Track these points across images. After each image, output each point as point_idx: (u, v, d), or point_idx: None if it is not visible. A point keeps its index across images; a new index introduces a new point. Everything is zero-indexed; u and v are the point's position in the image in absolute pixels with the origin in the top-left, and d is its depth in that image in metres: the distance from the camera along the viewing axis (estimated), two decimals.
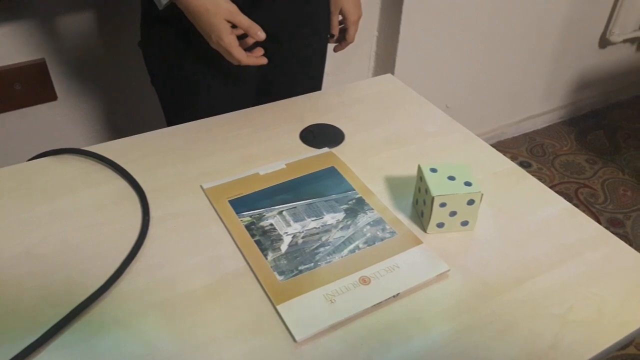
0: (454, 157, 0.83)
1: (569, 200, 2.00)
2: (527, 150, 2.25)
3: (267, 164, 0.80)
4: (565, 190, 2.05)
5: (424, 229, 0.70)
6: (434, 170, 0.69)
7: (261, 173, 0.77)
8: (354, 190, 0.75)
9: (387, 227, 0.69)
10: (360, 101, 0.97)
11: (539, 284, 0.63)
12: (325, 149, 0.83)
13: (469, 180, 0.68)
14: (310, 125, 0.89)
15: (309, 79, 1.07)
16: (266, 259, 0.63)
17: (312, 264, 0.63)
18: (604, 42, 2.23)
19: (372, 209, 0.72)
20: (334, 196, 0.74)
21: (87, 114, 1.36)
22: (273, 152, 0.83)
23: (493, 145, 2.27)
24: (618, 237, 1.94)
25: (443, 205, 0.67)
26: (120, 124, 1.42)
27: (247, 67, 0.96)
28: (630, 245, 1.82)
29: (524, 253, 0.67)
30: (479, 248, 0.67)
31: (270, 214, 0.70)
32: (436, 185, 0.67)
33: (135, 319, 0.57)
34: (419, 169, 0.70)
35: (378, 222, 0.69)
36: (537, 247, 0.68)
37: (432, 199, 0.66)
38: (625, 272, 0.65)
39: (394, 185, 0.77)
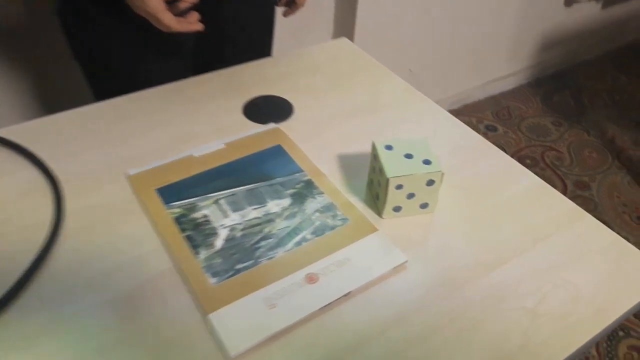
0: (414, 129, 0.76)
1: (536, 164, 1.97)
2: (492, 114, 2.20)
3: (203, 144, 0.70)
4: (531, 154, 2.01)
5: (379, 214, 0.62)
6: (389, 147, 0.61)
7: (195, 155, 0.68)
8: (303, 171, 0.66)
9: (339, 213, 0.61)
10: (312, 69, 0.87)
11: (507, 272, 0.56)
12: (272, 125, 0.74)
13: (428, 158, 0.60)
14: (254, 98, 0.80)
15: (254, 46, 0.96)
16: (197, 257, 0.55)
17: (252, 262, 0.55)
18: (569, 0, 2.16)
19: (322, 193, 0.63)
20: (279, 179, 0.65)
21: (9, 92, 1.22)
22: (211, 129, 0.73)
23: (458, 109, 2.21)
24: (584, 199, 1.91)
25: (399, 187, 0.59)
26: (46, 103, 1.28)
27: (182, 35, 0.85)
28: (596, 207, 1.80)
29: (490, 237, 0.60)
30: (440, 233, 0.60)
31: (204, 203, 0.61)
32: (391, 165, 0.59)
33: (41, 338, 0.48)
34: (373, 146, 0.62)
35: (328, 208, 0.61)
36: (504, 230, 0.61)
37: (387, 180, 0.58)
38: (599, 254, 0.59)
39: (348, 164, 0.69)
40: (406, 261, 0.56)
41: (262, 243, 0.57)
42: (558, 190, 1.86)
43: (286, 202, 0.62)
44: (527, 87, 2.36)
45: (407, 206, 0.61)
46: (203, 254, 0.55)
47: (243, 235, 0.58)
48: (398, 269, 0.56)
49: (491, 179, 0.68)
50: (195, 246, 0.56)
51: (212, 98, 0.79)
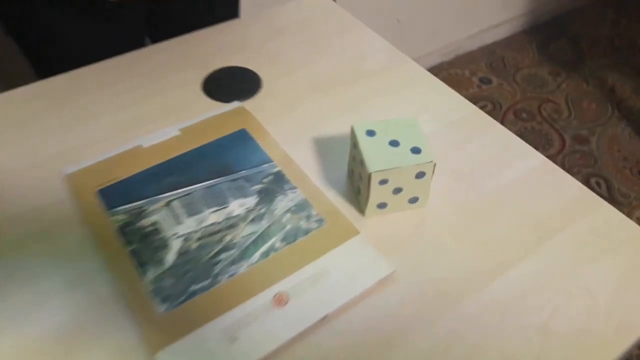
0: (400, 102, 0.65)
1: (532, 118, 1.87)
2: (486, 65, 2.08)
3: (154, 131, 0.60)
4: (528, 107, 1.91)
5: (362, 212, 0.53)
6: (371, 133, 0.51)
7: (144, 145, 0.58)
8: (271, 161, 0.57)
9: (314, 212, 0.52)
10: (283, 32, 0.76)
11: (511, 279, 0.48)
12: (236, 103, 0.64)
13: (417, 145, 0.50)
14: (216, 70, 0.69)
15: (215, 7, 0.84)
16: (144, 279, 0.46)
17: (209, 281, 0.46)
18: None
19: (295, 188, 0.54)
20: (243, 173, 0.55)
21: None
22: (163, 112, 0.63)
23: (450, 61, 2.08)
24: (583, 154, 1.82)
25: (384, 182, 0.49)
26: None
27: (125, 3, 0.73)
28: (595, 162, 1.71)
29: (490, 234, 0.51)
30: (432, 232, 0.51)
31: (154, 207, 0.52)
32: (374, 156, 0.49)
33: None
34: (352, 131, 0.52)
35: (302, 207, 0.52)
36: (506, 224, 0.52)
37: (369, 175, 0.48)
38: (617, 249, 0.50)
39: (326, 149, 0.59)
40: (394, 271, 0.47)
41: (222, 255, 0.48)
42: (556, 146, 1.77)
43: (251, 201, 0.53)
44: (522, 35, 2.23)
45: (393, 202, 0.52)
46: (151, 273, 0.46)
47: (199, 247, 0.48)
48: (384, 281, 0.47)
49: (490, 162, 0.58)
50: (141, 264, 0.47)
51: (164, 73, 0.68)
